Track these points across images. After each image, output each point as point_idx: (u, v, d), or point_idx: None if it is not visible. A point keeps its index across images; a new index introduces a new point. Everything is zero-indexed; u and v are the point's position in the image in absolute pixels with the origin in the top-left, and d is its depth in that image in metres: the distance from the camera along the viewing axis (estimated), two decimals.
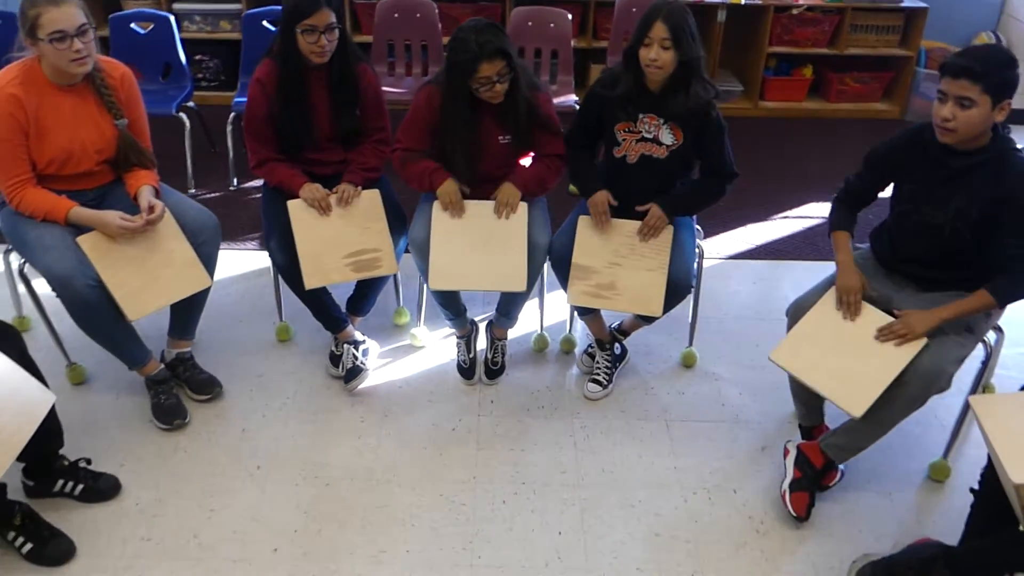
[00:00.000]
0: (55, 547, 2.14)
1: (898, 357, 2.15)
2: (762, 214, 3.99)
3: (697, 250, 2.86)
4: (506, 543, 2.24)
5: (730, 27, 4.75)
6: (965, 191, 2.13)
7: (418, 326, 3.02)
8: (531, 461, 2.51)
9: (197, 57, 4.98)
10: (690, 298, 2.89)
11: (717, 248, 3.64)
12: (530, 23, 4.20)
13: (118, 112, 2.49)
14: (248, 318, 3.11)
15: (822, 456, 2.33)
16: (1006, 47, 2.15)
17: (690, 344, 2.94)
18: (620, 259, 2.57)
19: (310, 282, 2.58)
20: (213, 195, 4.03)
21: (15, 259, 2.64)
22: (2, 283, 2.71)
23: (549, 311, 3.01)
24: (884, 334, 2.18)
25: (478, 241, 2.57)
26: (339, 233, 2.61)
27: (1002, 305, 2.17)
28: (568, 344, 2.99)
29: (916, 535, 2.16)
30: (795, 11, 4.69)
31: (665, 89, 2.44)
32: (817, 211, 4.04)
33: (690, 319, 2.93)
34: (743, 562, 2.20)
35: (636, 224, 2.57)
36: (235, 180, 4.15)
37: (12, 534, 2.13)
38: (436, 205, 2.58)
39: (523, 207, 2.59)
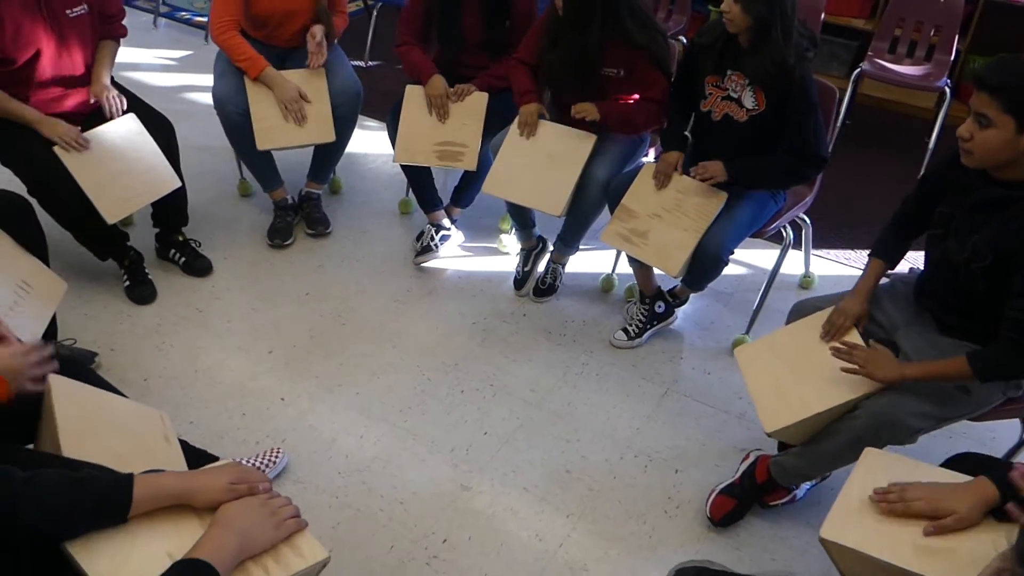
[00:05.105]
0: (142, 290, 2.81)
1: (840, 393, 1.88)
2: None
3: (785, 238, 2.66)
4: (436, 422, 2.42)
5: (987, 22, 4.06)
6: (988, 228, 1.75)
7: (509, 234, 3.20)
8: (513, 372, 2.61)
9: None
10: (764, 285, 2.70)
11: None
12: None
13: None
14: (389, 187, 3.54)
15: (766, 471, 2.13)
16: None
17: (747, 332, 2.74)
18: (664, 212, 2.50)
19: (399, 157, 2.90)
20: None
21: None
22: None
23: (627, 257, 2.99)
24: (842, 355, 1.90)
25: (539, 160, 2.67)
26: (438, 122, 2.88)
27: (981, 379, 1.75)
28: (631, 293, 2.95)
29: None
30: None
31: (750, 47, 2.30)
32: None
33: (754, 306, 2.73)
34: (624, 529, 2.13)
35: (691, 181, 2.48)
36: None
37: (122, 271, 2.84)
38: (516, 120, 2.73)
39: (589, 140, 2.63)
